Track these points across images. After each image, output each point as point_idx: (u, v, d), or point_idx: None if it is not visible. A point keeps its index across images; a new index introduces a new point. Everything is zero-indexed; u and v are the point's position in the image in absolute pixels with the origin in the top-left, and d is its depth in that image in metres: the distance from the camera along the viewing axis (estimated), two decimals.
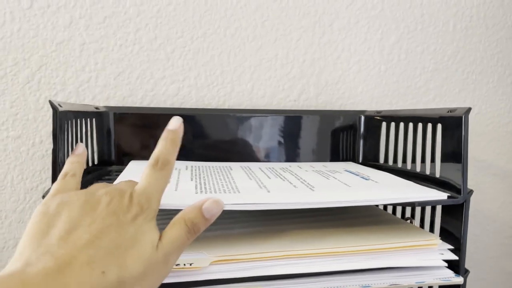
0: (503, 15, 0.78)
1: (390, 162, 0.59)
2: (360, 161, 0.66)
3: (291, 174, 0.50)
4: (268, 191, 0.40)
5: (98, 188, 0.30)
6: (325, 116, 0.65)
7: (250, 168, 0.54)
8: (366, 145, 0.65)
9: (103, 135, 0.58)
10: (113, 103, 0.63)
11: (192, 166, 0.54)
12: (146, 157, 0.59)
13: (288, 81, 0.69)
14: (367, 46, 0.72)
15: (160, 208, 0.31)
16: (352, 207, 0.53)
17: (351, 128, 0.66)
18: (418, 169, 0.51)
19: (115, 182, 0.36)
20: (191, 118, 0.60)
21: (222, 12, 0.66)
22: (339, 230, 0.44)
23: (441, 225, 0.46)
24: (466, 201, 0.42)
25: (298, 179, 0.46)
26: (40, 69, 0.60)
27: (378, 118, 0.62)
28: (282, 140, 0.64)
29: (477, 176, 0.80)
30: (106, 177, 0.52)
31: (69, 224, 0.26)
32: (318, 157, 0.65)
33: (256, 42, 0.67)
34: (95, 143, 0.56)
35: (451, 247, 0.42)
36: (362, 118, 0.65)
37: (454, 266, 0.42)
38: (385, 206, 0.60)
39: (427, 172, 0.49)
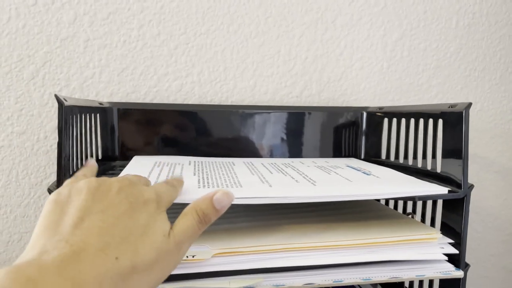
0: (506, 12, 0.78)
1: (392, 158, 0.59)
2: (362, 157, 0.66)
3: (293, 169, 0.51)
4: (270, 186, 0.40)
5: (108, 178, 0.31)
6: (327, 112, 0.65)
7: (252, 164, 0.55)
8: (368, 141, 0.66)
9: (107, 131, 0.58)
10: (116, 99, 0.63)
11: (195, 162, 0.55)
12: (149, 152, 0.60)
13: (290, 77, 0.70)
14: (369, 42, 0.72)
15: None
16: (353, 202, 0.54)
17: (353, 124, 0.66)
18: (419, 164, 0.52)
19: (120, 175, 0.37)
20: (194, 114, 0.61)
21: (225, 9, 0.66)
22: (340, 225, 0.44)
23: (442, 220, 0.46)
24: (467, 196, 0.42)
25: (300, 174, 0.47)
26: (44, 65, 0.61)
27: (380, 114, 0.62)
28: (284, 136, 0.64)
29: (479, 174, 0.80)
30: (110, 172, 0.53)
31: (82, 211, 0.27)
32: (320, 153, 0.66)
33: (259, 38, 0.68)
34: (99, 138, 0.56)
35: (451, 241, 0.42)
36: (364, 114, 0.66)
37: (455, 260, 0.42)
38: (386, 201, 0.60)
39: (429, 167, 0.49)
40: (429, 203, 0.51)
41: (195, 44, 0.66)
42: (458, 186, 0.42)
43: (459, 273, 0.41)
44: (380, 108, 0.63)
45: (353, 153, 0.67)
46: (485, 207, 0.82)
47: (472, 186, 0.43)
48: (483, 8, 0.76)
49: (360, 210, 0.51)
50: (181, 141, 0.61)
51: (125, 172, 0.45)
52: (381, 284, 0.60)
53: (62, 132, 0.40)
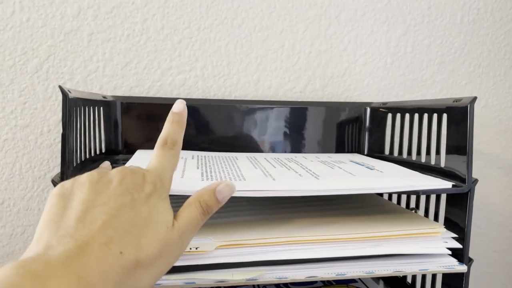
0: (511, 8, 0.77)
1: (396, 153, 0.59)
2: (365, 153, 0.66)
3: (296, 164, 0.51)
4: (274, 179, 0.40)
5: (110, 170, 0.31)
6: (331, 107, 0.65)
7: (255, 158, 0.55)
8: (372, 137, 0.65)
9: (110, 124, 0.58)
10: (120, 93, 0.64)
11: (198, 156, 0.55)
12: (152, 146, 0.59)
13: (294, 72, 0.69)
14: (373, 38, 0.72)
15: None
16: (356, 196, 0.54)
17: (357, 120, 0.66)
18: (423, 160, 0.52)
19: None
20: (197, 108, 0.61)
21: (229, 3, 0.66)
22: (343, 219, 0.44)
23: (445, 216, 0.46)
24: (471, 190, 0.42)
25: (303, 169, 0.47)
26: (48, 59, 0.61)
27: (383, 109, 0.62)
28: (287, 131, 0.64)
29: (483, 170, 0.80)
30: (113, 165, 0.53)
31: (84, 204, 0.27)
32: (323, 149, 0.66)
33: (263, 33, 0.68)
34: (103, 131, 0.56)
35: (455, 235, 0.42)
36: (368, 110, 0.66)
37: (458, 255, 0.42)
38: (389, 196, 0.60)
39: (432, 162, 0.49)
40: (432, 199, 0.51)
41: (199, 38, 0.66)
42: (462, 180, 0.42)
43: (462, 268, 0.41)
44: (384, 103, 0.63)
45: (357, 149, 0.66)
46: (489, 204, 0.82)
47: (476, 180, 0.43)
48: (487, 3, 0.76)
49: (363, 205, 0.51)
50: (184, 135, 0.61)
51: (128, 165, 0.45)
52: (383, 278, 0.60)
53: (66, 124, 0.40)
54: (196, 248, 0.36)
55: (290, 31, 0.69)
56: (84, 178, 0.29)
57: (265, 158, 0.55)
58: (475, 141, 0.77)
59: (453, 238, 0.42)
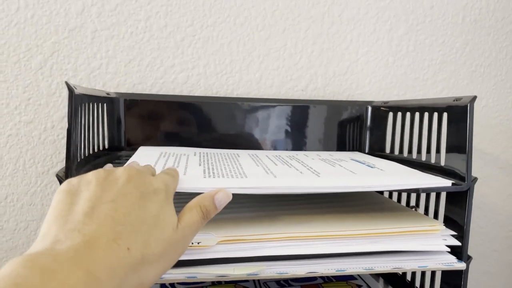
0: None
1: (396, 152, 0.60)
2: (366, 151, 0.67)
3: (298, 161, 0.51)
4: (275, 177, 0.41)
5: (116, 168, 0.32)
6: (332, 106, 0.66)
7: (257, 156, 0.55)
8: (373, 135, 0.66)
9: (114, 121, 0.59)
10: (123, 90, 0.64)
11: (200, 153, 0.55)
12: (155, 143, 0.61)
13: (296, 71, 0.70)
14: (375, 37, 0.72)
15: None
16: (357, 194, 0.54)
17: (358, 118, 0.66)
18: (423, 158, 0.52)
19: (126, 165, 0.37)
20: (199, 106, 0.61)
21: (232, 1, 0.66)
22: (344, 216, 0.45)
23: (445, 214, 0.46)
24: (470, 189, 0.42)
25: (304, 166, 0.47)
26: (52, 55, 0.62)
27: (384, 108, 0.63)
28: (289, 129, 0.65)
29: (483, 169, 0.81)
30: (116, 162, 0.53)
31: (92, 201, 0.27)
32: (324, 147, 0.66)
33: (265, 31, 0.68)
34: (106, 128, 0.57)
35: (454, 233, 0.43)
36: (369, 108, 0.66)
37: (457, 252, 0.42)
38: (390, 194, 0.60)
39: (433, 161, 0.50)
40: (432, 197, 0.51)
41: (202, 36, 0.66)
42: (462, 179, 0.43)
43: (461, 265, 0.41)
44: (385, 102, 0.63)
45: (358, 147, 0.67)
46: (489, 203, 0.82)
47: (475, 179, 0.43)
48: (489, 3, 0.76)
49: (363, 203, 0.51)
50: (186, 132, 0.61)
51: (130, 162, 0.45)
52: (383, 275, 0.60)
53: (71, 119, 0.40)
54: (198, 243, 0.37)
55: (292, 29, 0.69)
56: (91, 176, 0.30)
57: (266, 156, 0.55)
58: (475, 140, 0.77)
59: (452, 235, 0.43)
